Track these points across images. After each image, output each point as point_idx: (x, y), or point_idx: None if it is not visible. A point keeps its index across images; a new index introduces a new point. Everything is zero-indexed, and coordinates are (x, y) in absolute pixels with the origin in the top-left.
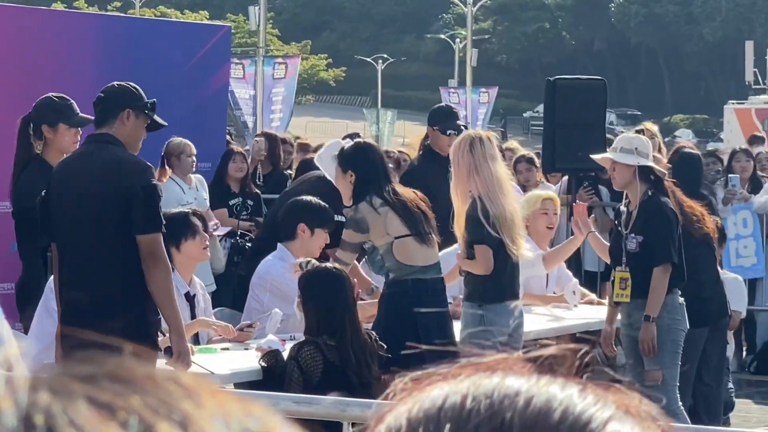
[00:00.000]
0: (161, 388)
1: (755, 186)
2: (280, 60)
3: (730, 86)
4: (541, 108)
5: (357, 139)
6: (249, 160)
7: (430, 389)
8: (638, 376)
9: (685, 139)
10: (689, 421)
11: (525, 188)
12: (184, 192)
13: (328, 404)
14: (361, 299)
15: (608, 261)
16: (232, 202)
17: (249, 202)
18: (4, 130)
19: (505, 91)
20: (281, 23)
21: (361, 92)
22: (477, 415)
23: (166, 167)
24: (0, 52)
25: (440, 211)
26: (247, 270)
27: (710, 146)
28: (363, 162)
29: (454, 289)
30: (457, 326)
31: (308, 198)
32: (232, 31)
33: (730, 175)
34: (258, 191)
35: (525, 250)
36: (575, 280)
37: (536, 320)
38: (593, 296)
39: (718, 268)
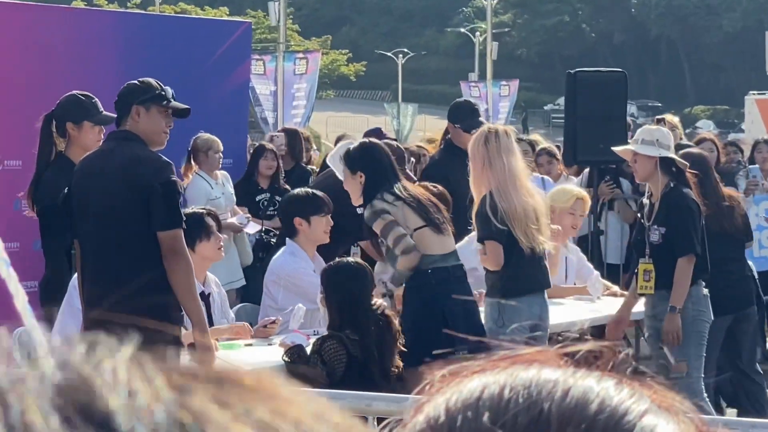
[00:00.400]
0: (262, 391)
1: None
2: (300, 55)
3: (751, 77)
4: (561, 101)
5: (362, 140)
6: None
7: (467, 380)
8: (663, 368)
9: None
10: (714, 413)
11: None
12: (211, 187)
13: (352, 399)
14: None
15: None
16: (258, 198)
17: (277, 198)
18: (25, 128)
19: (526, 84)
20: (301, 19)
21: (382, 87)
22: (515, 405)
23: (192, 163)
24: (20, 50)
25: (461, 205)
26: None
27: (731, 137)
28: (371, 162)
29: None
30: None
31: (296, 191)
32: (252, 27)
33: (750, 166)
34: (287, 187)
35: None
36: (597, 273)
37: (558, 312)
38: (616, 288)
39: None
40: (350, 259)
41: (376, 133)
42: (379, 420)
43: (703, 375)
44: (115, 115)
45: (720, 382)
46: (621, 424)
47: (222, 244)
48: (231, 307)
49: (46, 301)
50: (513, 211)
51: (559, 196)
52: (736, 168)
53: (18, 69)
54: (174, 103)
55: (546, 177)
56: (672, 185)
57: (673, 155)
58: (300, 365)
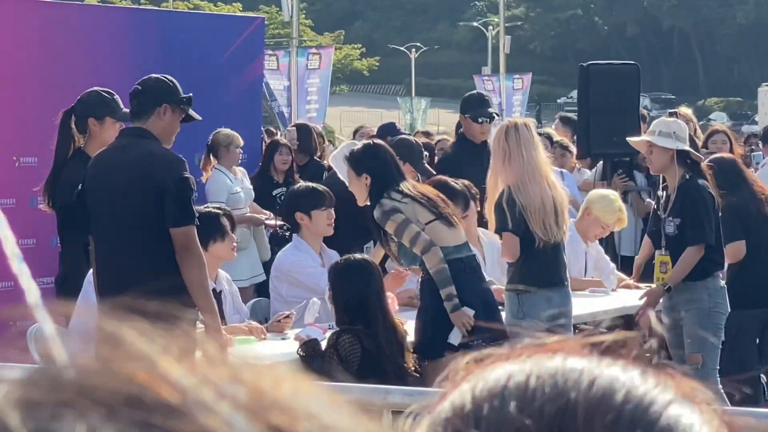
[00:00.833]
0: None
1: None
2: (313, 50)
3: (764, 68)
4: (574, 94)
5: (366, 140)
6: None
7: (491, 369)
8: (679, 359)
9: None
10: (729, 404)
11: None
12: (231, 182)
13: (367, 392)
14: None
15: None
16: (275, 192)
17: None
18: (39, 125)
19: (539, 78)
20: (314, 14)
21: (395, 81)
22: (542, 394)
23: (211, 158)
24: (34, 47)
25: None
26: None
27: (744, 129)
28: (376, 163)
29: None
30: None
31: (296, 187)
32: (266, 22)
33: (753, 153)
34: (300, 181)
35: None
36: (613, 265)
37: (575, 305)
38: (630, 280)
39: None
40: (358, 255)
41: (391, 127)
42: (395, 414)
43: (717, 367)
44: (200, 118)
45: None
46: (647, 414)
47: (235, 244)
48: (247, 302)
49: (63, 296)
50: (530, 205)
51: (603, 205)
52: (747, 160)
53: (31, 66)
54: (192, 112)
55: (564, 170)
56: (688, 177)
57: (689, 148)
58: (315, 359)
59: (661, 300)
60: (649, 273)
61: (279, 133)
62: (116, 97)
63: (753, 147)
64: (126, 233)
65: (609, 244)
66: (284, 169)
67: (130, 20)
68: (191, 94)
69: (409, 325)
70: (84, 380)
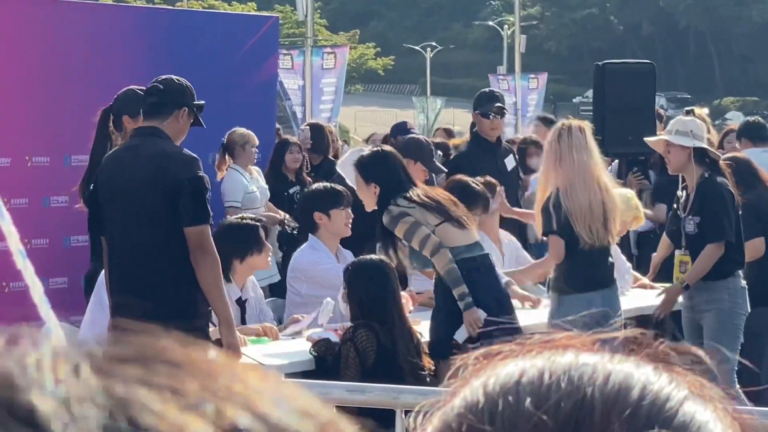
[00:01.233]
0: (214, 370)
1: None
2: (328, 50)
3: None
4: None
5: (374, 148)
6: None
7: (502, 365)
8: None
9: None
10: (747, 403)
11: None
12: (247, 181)
13: (380, 392)
14: None
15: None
16: (291, 191)
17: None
18: (52, 125)
19: (555, 77)
20: (329, 13)
21: (410, 80)
22: (557, 389)
23: (227, 157)
24: (47, 46)
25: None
26: None
27: None
28: (385, 171)
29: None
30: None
31: (313, 186)
32: (280, 21)
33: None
34: (310, 180)
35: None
36: (629, 264)
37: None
38: (646, 280)
39: None
40: (373, 256)
41: (402, 127)
42: (407, 413)
43: (736, 367)
44: (203, 126)
45: None
46: (664, 410)
47: (271, 253)
48: None
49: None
50: (577, 210)
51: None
52: None
53: (44, 66)
54: (200, 118)
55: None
56: (707, 175)
57: (706, 146)
58: (328, 358)
59: (680, 299)
60: (666, 272)
61: (282, 132)
62: None
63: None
64: (139, 232)
65: (624, 242)
66: (295, 168)
67: (143, 19)
68: (204, 102)
69: (424, 326)
70: None
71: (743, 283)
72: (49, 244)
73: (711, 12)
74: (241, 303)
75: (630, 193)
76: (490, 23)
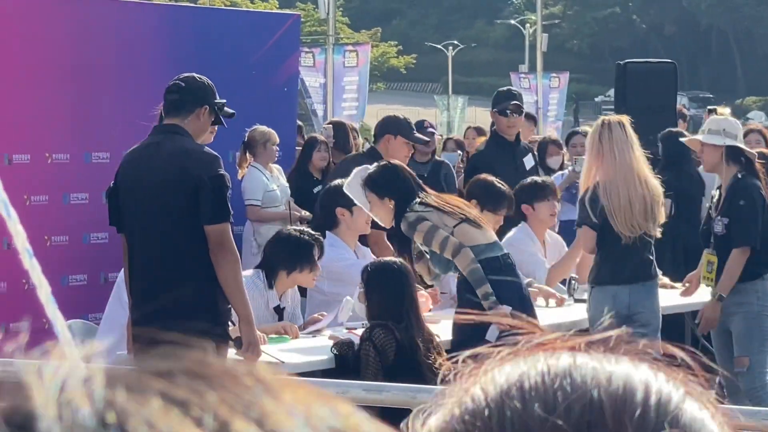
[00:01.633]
0: (239, 383)
1: None
2: (350, 48)
3: None
4: (612, 92)
5: (382, 162)
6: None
7: (497, 369)
8: (725, 361)
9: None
10: None
11: None
12: (267, 180)
13: (398, 391)
14: None
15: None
16: (316, 190)
17: None
18: (72, 122)
19: (576, 76)
20: (351, 11)
21: (432, 79)
22: (563, 393)
23: (248, 155)
24: (69, 43)
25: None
26: None
27: None
28: (397, 182)
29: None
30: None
31: (335, 182)
32: (302, 19)
33: None
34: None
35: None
36: None
37: None
38: (666, 280)
39: None
40: (391, 258)
41: (420, 125)
42: None
43: (766, 370)
44: (233, 111)
45: None
46: (670, 410)
47: (318, 273)
48: None
49: None
50: (615, 206)
51: None
52: None
53: (66, 62)
54: (222, 116)
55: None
56: (740, 176)
57: (740, 144)
58: (349, 357)
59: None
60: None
61: (305, 130)
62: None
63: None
64: (160, 230)
65: None
66: (323, 166)
67: (166, 16)
68: (225, 101)
69: (444, 324)
70: None
71: None
72: (69, 241)
73: (733, 11)
74: (279, 311)
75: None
76: (512, 22)
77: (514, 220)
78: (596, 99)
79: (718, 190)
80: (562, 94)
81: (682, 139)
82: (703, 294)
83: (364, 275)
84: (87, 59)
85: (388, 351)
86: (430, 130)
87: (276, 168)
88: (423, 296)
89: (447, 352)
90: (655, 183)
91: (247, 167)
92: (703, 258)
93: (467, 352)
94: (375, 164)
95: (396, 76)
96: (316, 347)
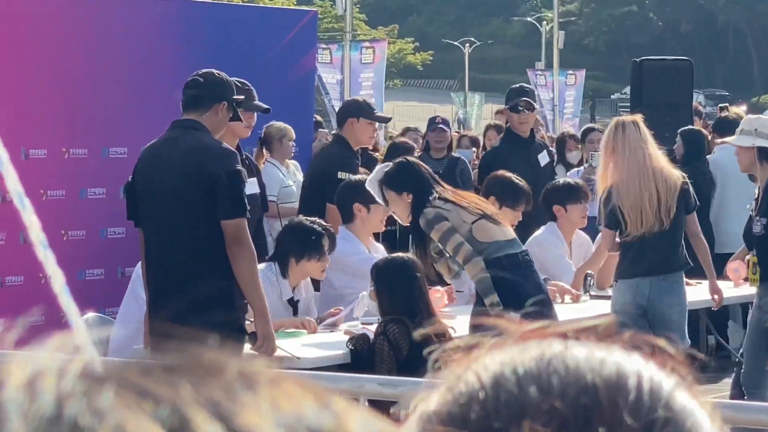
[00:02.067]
0: (223, 379)
1: None
2: (367, 44)
3: None
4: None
5: (398, 159)
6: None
7: (489, 357)
8: (757, 358)
9: None
10: None
11: None
12: (283, 175)
13: (411, 385)
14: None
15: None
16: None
17: None
18: (89, 117)
19: (593, 73)
20: (368, 8)
21: (449, 76)
22: (558, 377)
23: (264, 151)
24: (84, 39)
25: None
26: None
27: None
28: (414, 177)
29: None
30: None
31: (355, 177)
32: (319, 16)
33: None
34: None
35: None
36: None
37: None
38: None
39: None
40: (401, 254)
41: (431, 121)
42: None
43: None
44: (267, 107)
45: None
46: (662, 396)
47: (327, 265)
48: None
49: None
50: (628, 205)
51: None
52: None
53: (84, 58)
54: (238, 115)
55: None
56: None
57: None
58: (364, 351)
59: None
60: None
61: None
62: (250, 88)
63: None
64: (177, 225)
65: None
66: None
67: (183, 12)
68: (243, 97)
69: (460, 321)
70: None
71: None
72: (86, 236)
73: (750, 9)
74: (293, 303)
75: None
76: (529, 19)
77: (538, 218)
78: (612, 96)
79: (758, 191)
80: (579, 91)
81: (720, 141)
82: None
83: (373, 273)
84: (105, 54)
85: (402, 346)
86: (441, 126)
87: (293, 164)
88: (438, 292)
89: None
90: (673, 174)
91: (264, 163)
92: (747, 260)
93: (455, 341)
94: (393, 162)
95: (413, 73)
96: (331, 342)
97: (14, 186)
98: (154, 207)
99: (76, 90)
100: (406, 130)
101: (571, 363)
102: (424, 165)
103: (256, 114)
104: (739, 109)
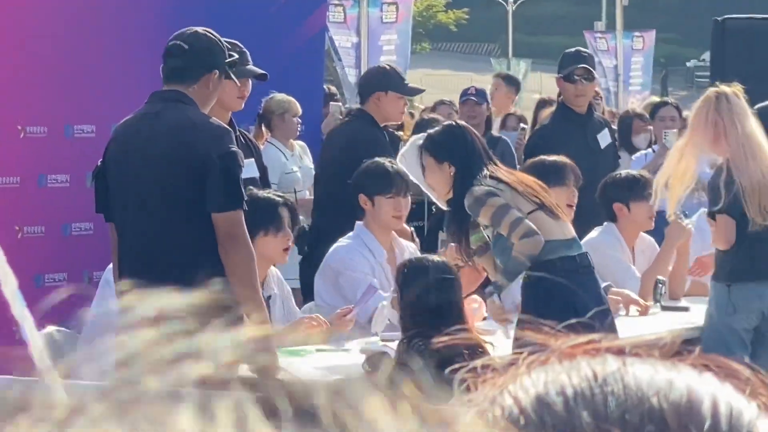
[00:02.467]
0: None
1: None
2: (388, 0)
3: None
4: (707, 56)
5: (447, 122)
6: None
7: (527, 376)
8: None
9: None
10: None
11: None
12: (286, 159)
13: None
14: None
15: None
16: None
17: None
18: (50, 87)
19: (665, 36)
20: None
21: (488, 38)
22: (617, 399)
23: (263, 129)
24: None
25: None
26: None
27: None
28: (462, 146)
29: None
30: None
31: (367, 162)
32: None
33: None
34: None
35: None
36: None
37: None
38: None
39: None
40: (434, 256)
41: (464, 93)
42: None
43: None
44: (261, 71)
45: None
46: (742, 423)
47: (290, 244)
48: (300, 306)
49: None
50: (749, 186)
51: None
52: None
53: (36, 15)
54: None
55: None
56: None
57: None
58: (382, 373)
59: None
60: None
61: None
62: (243, 50)
63: None
64: (157, 219)
65: None
66: None
67: None
68: (237, 57)
69: (501, 336)
70: None
71: None
72: (46, 233)
73: None
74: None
75: None
76: None
77: (595, 215)
78: (688, 64)
79: None
80: (648, 57)
81: None
82: None
83: (399, 276)
84: (66, 9)
85: (429, 365)
86: (473, 97)
87: (299, 145)
88: (476, 301)
89: None
90: None
91: (263, 144)
92: None
93: (480, 361)
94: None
95: (444, 35)
96: (344, 364)
97: None
98: (129, 197)
99: (34, 56)
100: (438, 104)
101: (631, 383)
102: (477, 135)
103: (250, 82)
104: None
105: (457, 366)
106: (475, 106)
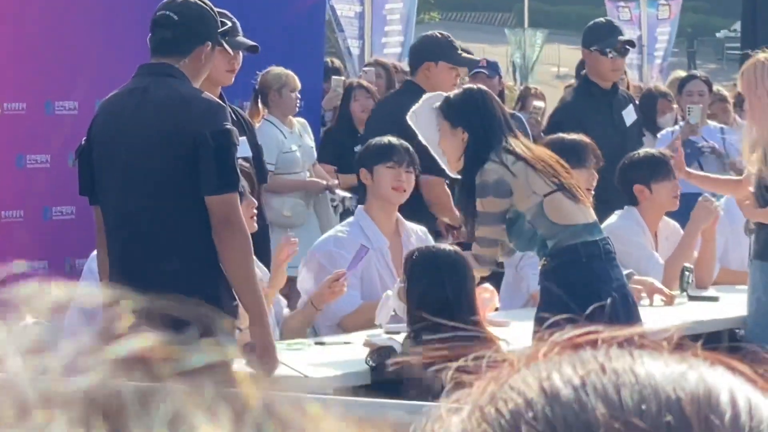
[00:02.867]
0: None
1: None
2: None
3: None
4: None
5: (466, 85)
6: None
7: (529, 369)
8: None
9: None
10: None
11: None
12: (284, 137)
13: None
14: None
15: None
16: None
17: None
18: (27, 60)
19: (693, 4)
20: None
21: (502, 7)
22: (630, 391)
23: (260, 105)
24: None
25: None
26: None
27: None
28: (481, 112)
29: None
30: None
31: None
32: None
33: None
34: None
35: None
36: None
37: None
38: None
39: None
40: (444, 245)
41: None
42: None
43: None
44: (253, 43)
45: None
46: (763, 416)
47: (255, 211)
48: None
49: None
50: None
51: None
52: None
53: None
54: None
55: (725, 126)
56: None
57: None
58: (388, 370)
59: None
60: None
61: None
62: (233, 21)
63: None
64: (146, 202)
65: None
66: (364, 118)
67: None
68: (230, 25)
69: (514, 327)
70: None
71: None
72: (25, 217)
73: None
74: None
75: None
76: None
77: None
78: (718, 35)
79: None
80: (674, 27)
81: None
82: None
83: (407, 265)
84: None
85: (438, 361)
86: (482, 70)
87: (298, 122)
88: (487, 291)
89: None
90: None
91: (260, 121)
92: None
93: (473, 354)
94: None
95: (455, 4)
96: (347, 358)
97: None
98: (115, 179)
99: (13, 27)
100: None
101: (642, 375)
102: (499, 103)
103: (241, 54)
104: None
105: (456, 364)
106: (486, 79)
